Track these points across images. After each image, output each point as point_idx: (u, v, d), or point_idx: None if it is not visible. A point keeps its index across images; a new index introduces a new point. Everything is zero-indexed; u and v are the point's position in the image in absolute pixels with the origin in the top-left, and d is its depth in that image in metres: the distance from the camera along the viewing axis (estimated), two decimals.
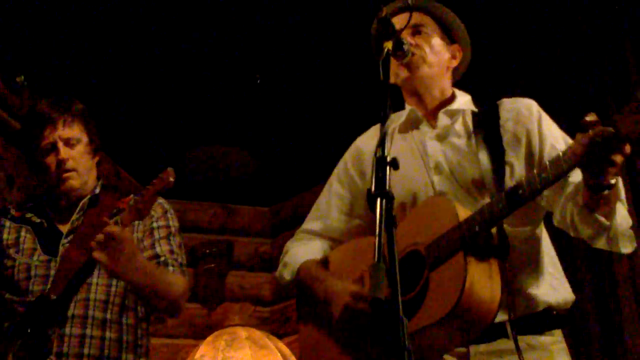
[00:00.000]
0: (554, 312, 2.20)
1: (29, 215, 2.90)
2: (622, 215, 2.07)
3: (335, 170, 2.63)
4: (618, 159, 1.88)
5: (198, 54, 4.32)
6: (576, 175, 2.11)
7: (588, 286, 3.81)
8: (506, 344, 2.10)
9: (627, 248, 2.12)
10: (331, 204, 2.57)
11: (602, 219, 2.02)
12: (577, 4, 3.99)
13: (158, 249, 2.81)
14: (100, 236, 2.47)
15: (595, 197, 1.99)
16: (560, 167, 1.94)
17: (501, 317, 2.08)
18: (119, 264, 2.50)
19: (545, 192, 2.14)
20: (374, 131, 2.60)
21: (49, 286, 2.68)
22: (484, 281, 2.02)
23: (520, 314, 2.14)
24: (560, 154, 1.95)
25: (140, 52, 4.25)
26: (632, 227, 2.12)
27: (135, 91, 4.50)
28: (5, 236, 2.85)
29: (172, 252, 2.83)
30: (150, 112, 4.73)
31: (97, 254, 2.48)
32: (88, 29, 4.03)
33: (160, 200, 2.93)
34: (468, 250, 2.03)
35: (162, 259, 2.80)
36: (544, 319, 2.18)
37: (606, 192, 1.97)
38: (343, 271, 2.39)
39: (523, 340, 2.12)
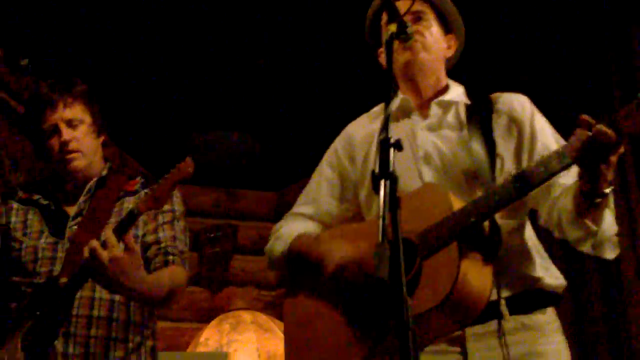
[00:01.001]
0: (547, 290, 2.22)
1: (36, 197, 2.90)
2: (609, 221, 2.10)
3: (326, 155, 2.64)
4: (613, 158, 1.91)
5: (203, 38, 4.32)
6: (565, 178, 2.15)
7: (592, 270, 3.82)
8: (501, 324, 2.12)
9: (610, 254, 2.16)
10: (321, 189, 2.58)
11: (590, 224, 2.05)
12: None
13: (161, 234, 2.79)
14: (86, 250, 2.42)
15: (588, 204, 2.02)
16: (558, 164, 1.97)
17: (495, 295, 2.11)
18: (102, 280, 2.46)
19: (533, 192, 2.16)
20: (365, 118, 2.61)
21: (56, 268, 2.69)
22: (476, 272, 2.04)
23: (513, 293, 2.17)
24: (560, 149, 1.98)
25: (145, 36, 4.25)
26: (617, 234, 2.15)
27: (140, 76, 4.51)
28: (12, 219, 2.85)
29: (174, 238, 2.80)
30: (155, 97, 4.73)
31: (82, 267, 2.46)
32: (91, 13, 4.03)
33: None
34: (462, 241, 2.05)
35: (163, 245, 2.77)
36: (536, 297, 2.21)
37: (598, 200, 2.00)
38: None
39: (517, 319, 2.15)
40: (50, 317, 2.58)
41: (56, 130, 2.78)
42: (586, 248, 2.14)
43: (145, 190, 2.60)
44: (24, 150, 4.23)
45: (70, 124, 2.79)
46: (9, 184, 3.71)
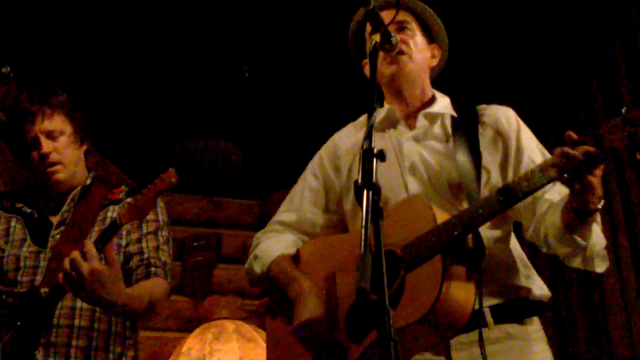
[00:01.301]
0: (531, 300, 2.23)
1: (19, 205, 2.88)
2: (597, 235, 2.11)
3: (310, 164, 2.64)
4: (597, 172, 1.92)
5: (185, 46, 4.31)
6: (550, 194, 2.17)
7: (574, 280, 3.84)
8: (486, 333, 2.11)
9: (600, 267, 2.16)
10: (305, 197, 2.57)
11: (580, 239, 2.07)
12: (568, 10, 4.01)
13: (144, 245, 2.78)
14: (66, 261, 2.40)
15: (578, 221, 2.03)
16: (541, 178, 1.97)
17: (479, 304, 2.10)
18: (80, 292, 2.43)
19: (517, 205, 2.17)
20: (351, 127, 2.62)
21: (37, 277, 2.68)
22: (459, 286, 2.03)
23: (498, 302, 2.17)
24: (543, 164, 1.98)
25: (127, 45, 4.23)
26: (605, 247, 2.16)
27: (122, 84, 4.49)
28: None
29: (157, 249, 2.80)
30: (137, 105, 4.71)
31: (62, 279, 2.42)
32: (75, 21, 4.02)
33: None
34: (446, 254, 2.04)
35: (145, 256, 2.77)
36: (521, 306, 2.21)
37: (589, 217, 2.02)
38: (314, 267, 2.38)
39: (502, 328, 2.15)
40: (31, 326, 2.57)
41: (36, 142, 2.76)
42: (576, 263, 2.16)
43: (128, 200, 2.58)
44: (5, 159, 4.19)
45: (50, 135, 2.78)
46: None
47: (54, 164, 2.78)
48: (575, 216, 2.02)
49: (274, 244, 2.51)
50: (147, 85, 4.56)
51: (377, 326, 1.43)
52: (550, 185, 2.14)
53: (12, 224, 2.83)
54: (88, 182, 2.90)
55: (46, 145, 2.76)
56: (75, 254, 2.39)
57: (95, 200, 2.82)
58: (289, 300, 2.33)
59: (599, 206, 1.99)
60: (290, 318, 2.31)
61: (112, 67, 4.35)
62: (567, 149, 1.91)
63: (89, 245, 2.41)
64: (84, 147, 2.93)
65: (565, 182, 2.00)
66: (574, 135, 1.91)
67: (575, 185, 1.95)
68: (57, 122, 2.79)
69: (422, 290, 2.03)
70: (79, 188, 2.87)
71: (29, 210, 2.86)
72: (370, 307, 1.44)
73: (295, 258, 2.45)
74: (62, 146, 2.79)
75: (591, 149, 1.87)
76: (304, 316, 2.23)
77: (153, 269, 2.76)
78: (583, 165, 1.89)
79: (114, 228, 2.51)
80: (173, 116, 4.93)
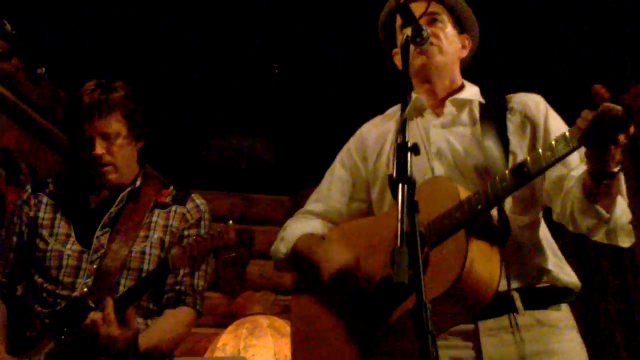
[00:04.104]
0: (559, 286, 2.21)
1: (67, 195, 2.86)
2: (622, 208, 2.07)
3: (339, 155, 2.66)
4: (622, 138, 1.86)
5: (217, 43, 4.33)
6: (578, 170, 2.13)
7: (606, 267, 3.80)
8: (515, 319, 2.11)
9: (625, 242, 2.12)
10: (333, 187, 2.60)
11: (602, 210, 2.02)
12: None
13: (181, 270, 2.76)
14: (88, 320, 2.50)
15: (597, 187, 1.97)
16: (564, 147, 1.92)
17: (506, 287, 2.10)
18: (95, 349, 2.51)
19: (546, 187, 2.16)
20: (379, 119, 2.64)
21: (78, 280, 2.68)
22: (483, 261, 2.02)
23: (525, 285, 2.16)
24: (566, 132, 1.93)
25: (161, 42, 4.26)
26: (631, 222, 2.11)
27: (154, 82, 4.52)
28: (41, 214, 2.81)
29: (193, 272, 2.79)
30: (170, 102, 4.74)
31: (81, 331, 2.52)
32: (108, 17, 4.05)
33: (198, 201, 2.93)
34: (469, 229, 2.03)
35: (179, 279, 2.77)
36: (549, 292, 2.20)
37: (607, 181, 1.96)
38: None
39: (532, 315, 2.14)
40: (73, 343, 2.57)
41: (90, 142, 2.74)
42: (599, 236, 2.11)
43: (184, 245, 2.59)
44: (46, 160, 4.25)
45: (105, 136, 2.75)
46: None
47: (105, 164, 2.76)
48: (592, 181, 1.96)
49: (300, 226, 2.55)
50: (179, 83, 4.59)
51: (414, 319, 1.43)
52: (578, 162, 2.12)
53: (58, 215, 2.80)
54: (138, 183, 2.87)
55: (100, 147, 2.73)
56: (97, 317, 2.48)
57: (144, 204, 2.82)
58: (315, 264, 2.34)
59: (615, 169, 1.93)
60: (317, 292, 2.35)
61: (143, 65, 4.37)
62: (589, 114, 1.84)
63: (109, 309, 2.48)
64: (139, 145, 2.91)
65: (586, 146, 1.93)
66: (603, 90, 1.83)
67: (595, 150, 1.90)
68: (113, 123, 2.75)
69: (446, 265, 2.02)
70: (128, 189, 2.84)
71: (75, 204, 2.83)
72: (402, 293, 1.44)
73: (317, 241, 2.47)
74: (116, 148, 2.77)
75: (614, 107, 1.80)
76: (337, 261, 2.24)
77: (183, 297, 2.77)
78: (606, 129, 1.83)
79: (164, 271, 2.58)
80: (205, 113, 4.95)
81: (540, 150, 1.99)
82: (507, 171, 2.05)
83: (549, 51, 4.24)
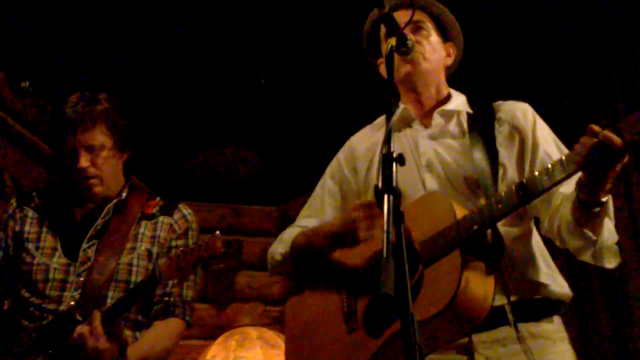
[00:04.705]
0: (552, 298, 2.22)
1: (52, 208, 2.84)
2: (609, 230, 2.10)
3: (329, 168, 2.66)
4: (618, 166, 1.90)
5: (204, 55, 4.33)
6: (565, 187, 2.15)
7: (596, 277, 3.81)
8: (508, 331, 2.12)
9: (611, 263, 2.15)
10: (324, 201, 2.59)
11: (590, 233, 2.06)
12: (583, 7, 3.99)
13: (169, 282, 2.74)
14: (75, 332, 2.49)
15: (586, 213, 2.02)
16: (561, 172, 1.95)
17: (500, 301, 2.10)
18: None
19: (535, 201, 2.16)
20: (368, 129, 2.63)
21: (65, 293, 2.66)
22: (478, 280, 2.03)
23: (519, 298, 2.16)
24: (563, 158, 1.96)
25: (146, 54, 4.26)
26: (617, 243, 2.14)
27: (141, 93, 4.51)
28: (26, 228, 2.80)
29: (181, 282, 2.77)
30: (157, 114, 4.73)
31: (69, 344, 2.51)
32: (92, 30, 4.04)
33: (185, 211, 2.92)
34: (464, 249, 2.04)
35: (168, 291, 2.76)
36: (542, 304, 2.20)
37: (597, 209, 2.00)
38: None
39: (524, 328, 2.14)
40: (61, 350, 2.55)
41: (75, 155, 2.72)
42: (586, 257, 2.15)
43: (171, 256, 2.58)
44: (31, 173, 4.23)
45: (90, 149, 2.73)
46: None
47: (91, 177, 2.75)
48: (582, 208, 2.01)
49: (296, 230, 2.54)
50: (166, 94, 4.58)
51: (402, 331, 1.43)
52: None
53: (44, 229, 2.79)
54: (124, 195, 2.86)
55: (84, 159, 2.72)
56: (85, 331, 2.47)
57: (131, 215, 2.81)
58: (318, 249, 2.36)
59: (604, 199, 1.98)
60: (316, 294, 2.36)
61: (132, 77, 4.37)
62: (588, 140, 1.88)
63: (97, 322, 2.48)
64: (125, 156, 2.89)
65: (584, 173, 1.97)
66: (595, 128, 1.88)
67: (591, 176, 1.93)
68: (97, 135, 2.74)
69: (441, 285, 2.03)
70: (114, 201, 2.83)
71: (61, 217, 2.82)
72: (393, 311, 1.44)
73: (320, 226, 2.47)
74: (101, 160, 2.75)
75: (614, 137, 1.84)
76: (342, 219, 2.30)
77: (171, 308, 2.76)
78: (604, 157, 1.87)
79: (152, 282, 2.56)
80: (193, 125, 4.94)
81: (537, 174, 2.01)
82: (503, 193, 2.06)
83: (535, 56, 4.26)
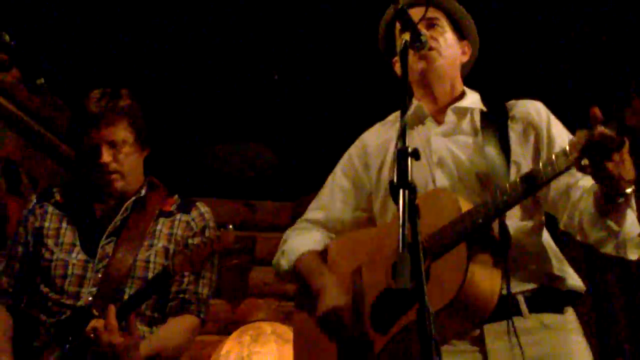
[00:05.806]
0: (563, 290, 2.21)
1: (72, 204, 2.85)
2: (631, 221, 2.09)
3: (340, 163, 2.66)
4: (617, 157, 1.89)
5: (219, 51, 4.33)
6: (585, 180, 2.15)
7: (613, 269, 3.80)
8: (520, 322, 2.11)
9: (634, 254, 2.13)
10: (334, 195, 2.60)
11: (613, 224, 2.05)
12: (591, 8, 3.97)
13: (185, 278, 2.77)
14: (89, 327, 2.51)
15: (610, 204, 2.01)
16: (564, 162, 1.95)
17: (512, 291, 2.11)
18: (97, 356, 2.52)
19: (551, 195, 2.18)
20: (380, 126, 2.64)
21: (83, 289, 2.68)
22: (485, 273, 2.04)
23: (528, 288, 2.16)
24: (566, 147, 1.96)
25: (160, 50, 4.26)
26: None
27: (155, 90, 4.52)
28: (46, 224, 2.81)
29: (197, 280, 2.79)
30: (172, 109, 4.74)
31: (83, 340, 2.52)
32: (108, 26, 4.06)
33: (202, 209, 2.93)
34: (470, 242, 2.05)
35: (183, 287, 2.77)
36: (553, 295, 2.20)
37: (621, 199, 1.99)
38: (341, 262, 2.43)
39: (537, 318, 2.15)
40: (80, 343, 2.57)
41: (97, 150, 2.73)
42: (609, 249, 2.12)
43: (185, 250, 2.59)
44: (46, 170, 4.25)
45: (112, 145, 2.75)
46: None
47: (112, 172, 2.76)
48: (605, 200, 2.00)
49: (300, 241, 2.56)
50: (181, 90, 4.59)
51: (418, 325, 1.43)
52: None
53: (63, 224, 2.81)
54: (143, 192, 2.88)
55: (107, 155, 2.74)
56: (99, 325, 2.48)
57: (149, 213, 2.82)
58: (313, 293, 2.37)
59: (628, 190, 1.96)
60: (314, 311, 2.34)
61: (145, 73, 4.38)
62: (581, 135, 1.87)
63: (111, 316, 2.49)
64: (145, 153, 2.91)
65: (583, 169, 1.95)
66: (598, 113, 1.87)
67: (594, 169, 1.92)
68: (120, 131, 2.75)
69: (447, 278, 2.04)
70: (133, 198, 2.84)
71: (81, 213, 2.83)
72: (404, 303, 1.45)
73: (323, 254, 2.49)
74: (123, 156, 2.77)
75: (607, 133, 1.83)
76: (328, 304, 2.26)
77: (187, 305, 2.77)
78: (600, 150, 1.86)
79: (165, 276, 2.57)
80: (207, 120, 4.96)
81: (541, 165, 2.01)
82: (507, 185, 2.07)
83: (549, 56, 4.24)
